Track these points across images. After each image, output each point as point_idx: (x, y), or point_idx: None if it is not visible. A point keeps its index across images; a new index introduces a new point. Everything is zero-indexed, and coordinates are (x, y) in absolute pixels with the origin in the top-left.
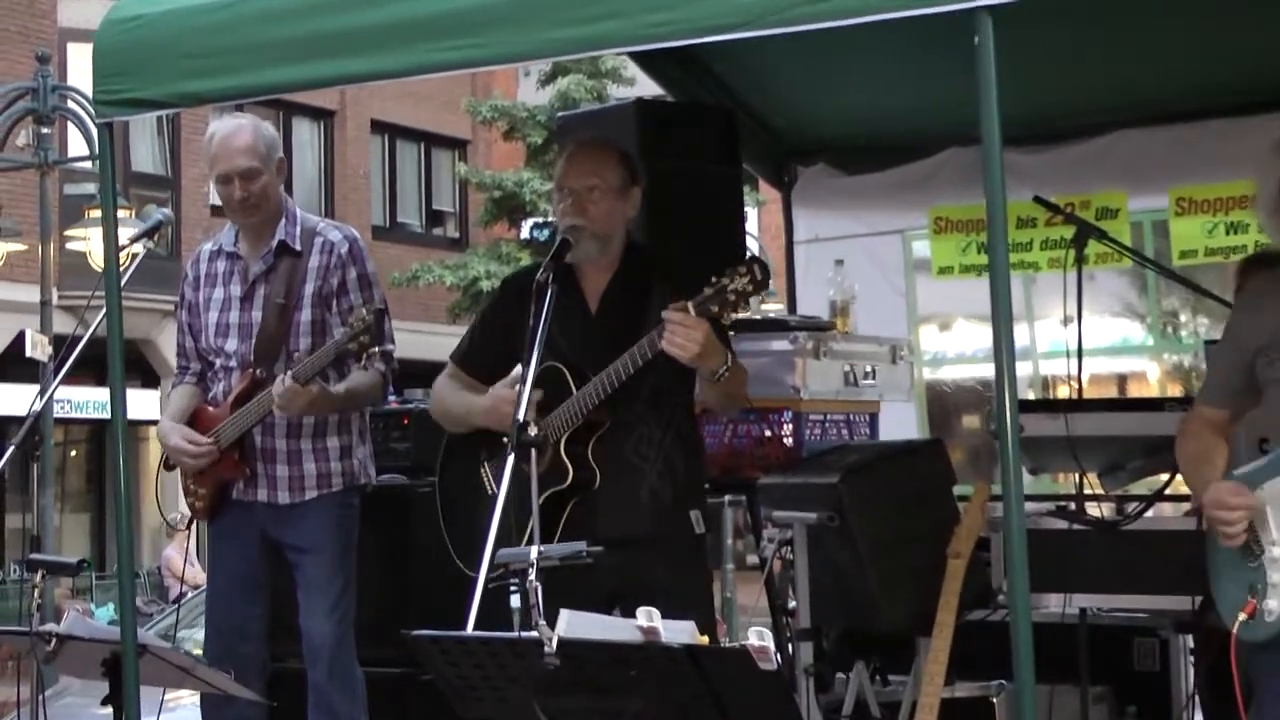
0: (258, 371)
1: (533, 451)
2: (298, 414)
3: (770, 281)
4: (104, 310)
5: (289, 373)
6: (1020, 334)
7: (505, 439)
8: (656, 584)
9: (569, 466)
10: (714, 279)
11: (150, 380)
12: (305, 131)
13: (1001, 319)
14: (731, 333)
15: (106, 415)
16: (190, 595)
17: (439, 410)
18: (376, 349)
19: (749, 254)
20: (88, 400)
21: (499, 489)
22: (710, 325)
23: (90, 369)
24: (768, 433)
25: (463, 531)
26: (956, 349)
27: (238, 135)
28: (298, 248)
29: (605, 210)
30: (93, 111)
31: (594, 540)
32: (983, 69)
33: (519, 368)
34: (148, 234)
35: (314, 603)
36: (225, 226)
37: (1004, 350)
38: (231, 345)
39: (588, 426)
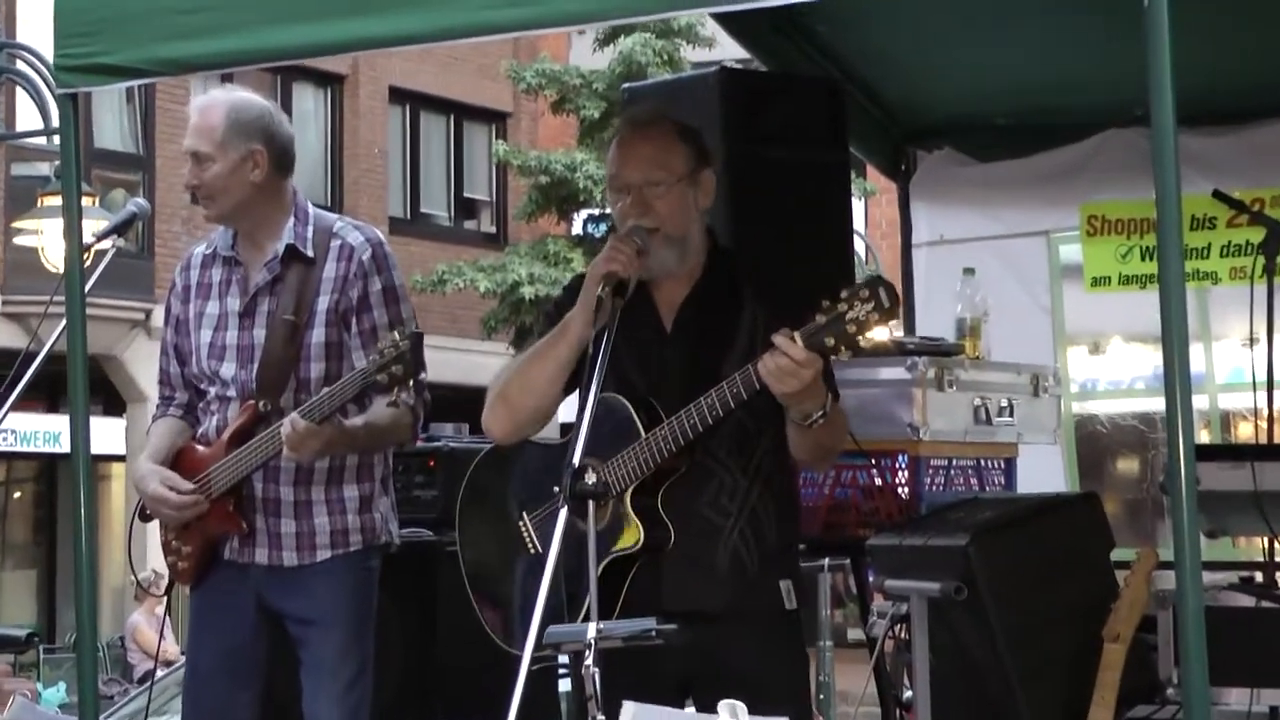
0: (261, 404)
1: (590, 504)
2: (310, 458)
3: (899, 312)
4: (63, 321)
5: (300, 410)
6: (1194, 359)
7: (555, 488)
8: (739, 669)
9: (638, 524)
10: (827, 303)
11: (114, 406)
12: (308, 100)
13: (1175, 343)
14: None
15: (59, 448)
16: (163, 675)
17: (505, 390)
18: (411, 384)
19: (864, 266)
20: (35, 430)
21: (548, 549)
22: (818, 365)
23: (40, 391)
24: (878, 481)
25: (498, 600)
26: (1110, 377)
27: (206, 111)
28: (310, 253)
29: (676, 205)
30: (51, 79)
31: (659, 614)
32: (1154, 33)
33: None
34: (119, 229)
35: (322, 687)
36: (221, 226)
37: (1178, 383)
38: (229, 370)
39: (657, 475)
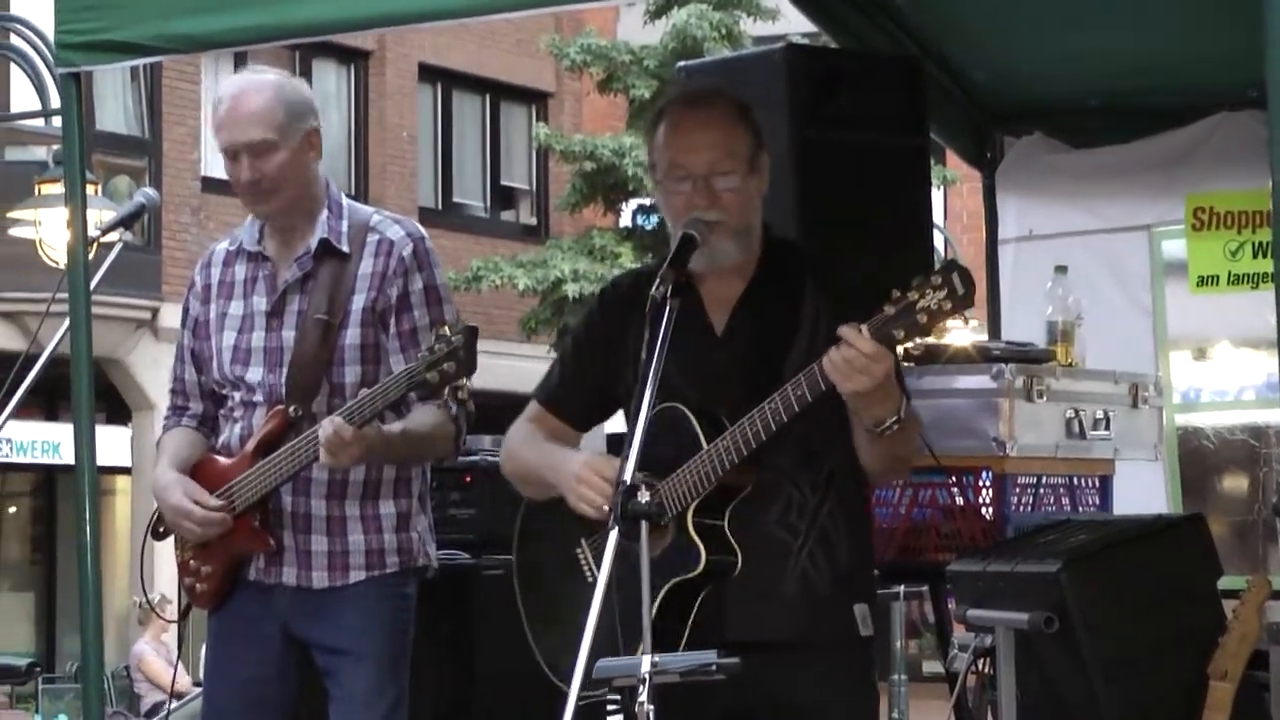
0: (291, 409)
1: (643, 525)
2: (349, 465)
3: (974, 299)
4: (64, 321)
5: (340, 412)
6: None
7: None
8: (800, 702)
9: (700, 547)
10: (897, 293)
11: (118, 413)
12: (330, 79)
13: None
14: (908, 364)
15: (58, 459)
16: (176, 708)
17: (512, 466)
18: (464, 383)
19: (943, 259)
20: (33, 440)
21: (627, 573)
22: (890, 360)
23: (38, 398)
24: (960, 501)
25: (551, 630)
26: (1216, 386)
27: (249, 96)
28: (345, 248)
29: (743, 195)
30: (50, 55)
31: (723, 643)
32: (1273, 4)
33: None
34: (127, 221)
35: None
36: (248, 219)
37: None
38: (255, 375)
39: (722, 492)
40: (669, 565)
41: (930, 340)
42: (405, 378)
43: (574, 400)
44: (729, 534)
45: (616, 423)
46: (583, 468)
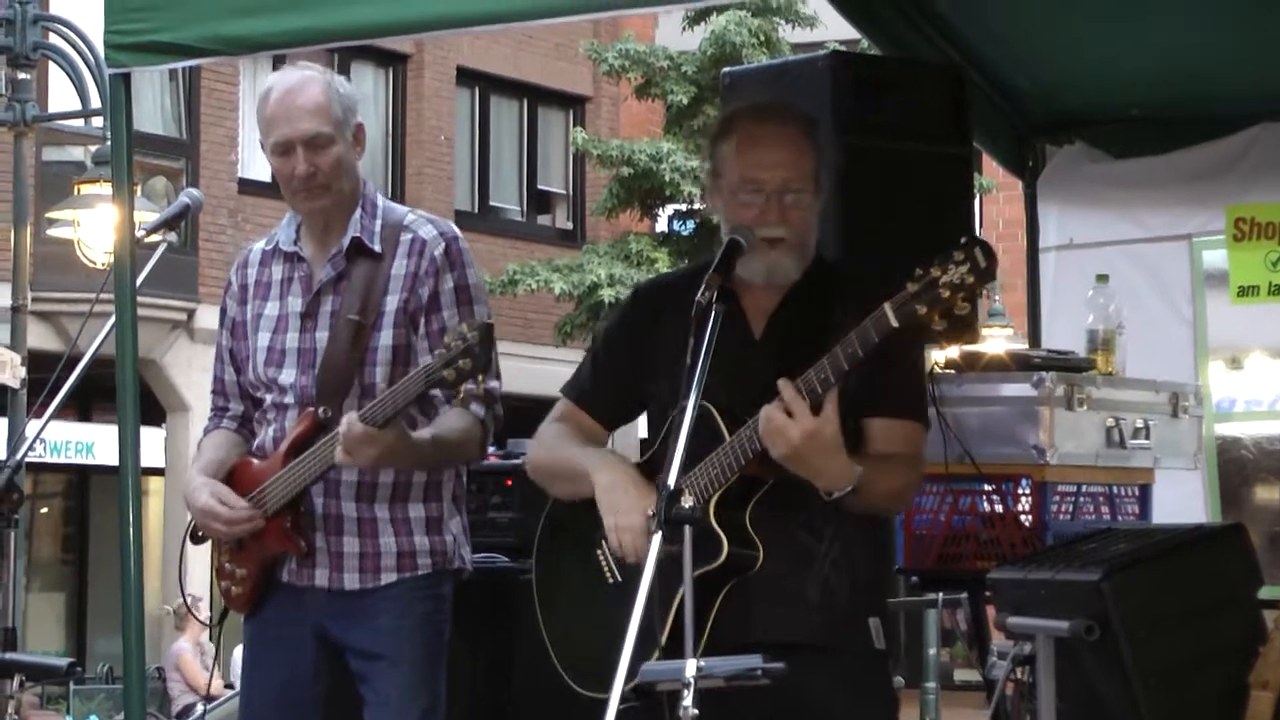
0: (321, 411)
1: (686, 530)
2: (368, 467)
3: (997, 273)
4: (101, 322)
5: (354, 413)
6: None
7: (651, 513)
8: (828, 709)
9: (722, 537)
10: (919, 270)
11: (153, 415)
12: (368, 81)
13: None
14: (948, 370)
15: (91, 459)
16: (210, 708)
17: (540, 465)
18: (481, 379)
19: (965, 236)
20: (65, 440)
21: (628, 578)
22: (829, 428)
23: (72, 398)
24: (999, 508)
25: (571, 635)
26: (1250, 395)
27: (304, 89)
28: (377, 248)
29: (809, 214)
30: (91, 55)
31: (746, 644)
32: None
33: (643, 428)
34: (171, 222)
35: None
36: (285, 219)
37: None
38: (288, 377)
39: (744, 484)
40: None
41: (969, 347)
42: (423, 375)
43: (603, 399)
44: (750, 528)
45: (645, 426)
46: (612, 471)
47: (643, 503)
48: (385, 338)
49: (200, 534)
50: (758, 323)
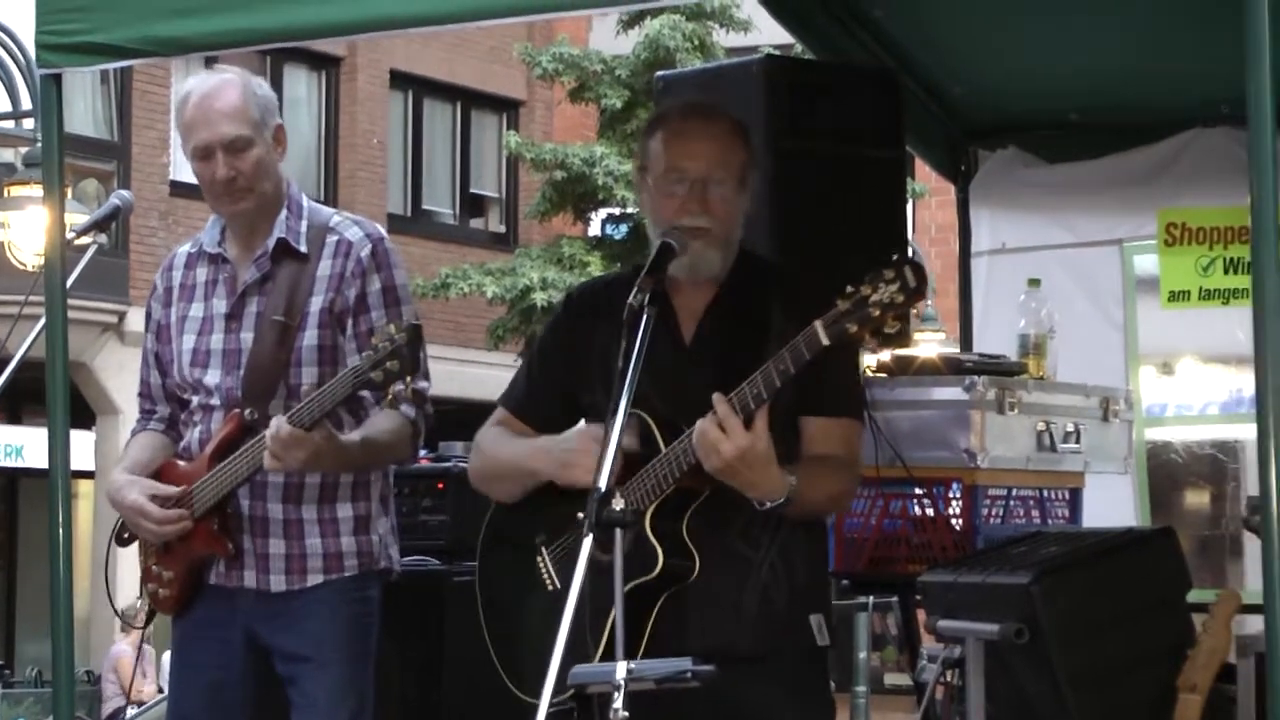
0: (247, 413)
1: (617, 534)
2: (296, 469)
3: (928, 289)
4: (30, 324)
5: (282, 415)
6: None
7: (580, 514)
8: (762, 716)
9: (657, 548)
10: (850, 288)
11: (83, 417)
12: (301, 84)
13: (1269, 364)
14: (881, 374)
15: (20, 462)
16: (138, 714)
17: (482, 468)
18: (408, 380)
19: (896, 254)
20: None
21: (571, 581)
22: (760, 444)
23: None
24: (930, 512)
25: (512, 641)
26: (1180, 400)
27: (221, 93)
28: (303, 249)
29: (733, 207)
30: (21, 57)
31: (685, 654)
32: (1253, 21)
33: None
34: (101, 223)
35: None
36: (209, 221)
37: (1271, 408)
38: (213, 378)
39: (680, 495)
40: (626, 569)
41: (901, 351)
42: (351, 377)
43: (540, 407)
44: (686, 538)
45: None
46: (577, 442)
47: (575, 436)
48: (311, 338)
49: (126, 535)
50: (688, 326)
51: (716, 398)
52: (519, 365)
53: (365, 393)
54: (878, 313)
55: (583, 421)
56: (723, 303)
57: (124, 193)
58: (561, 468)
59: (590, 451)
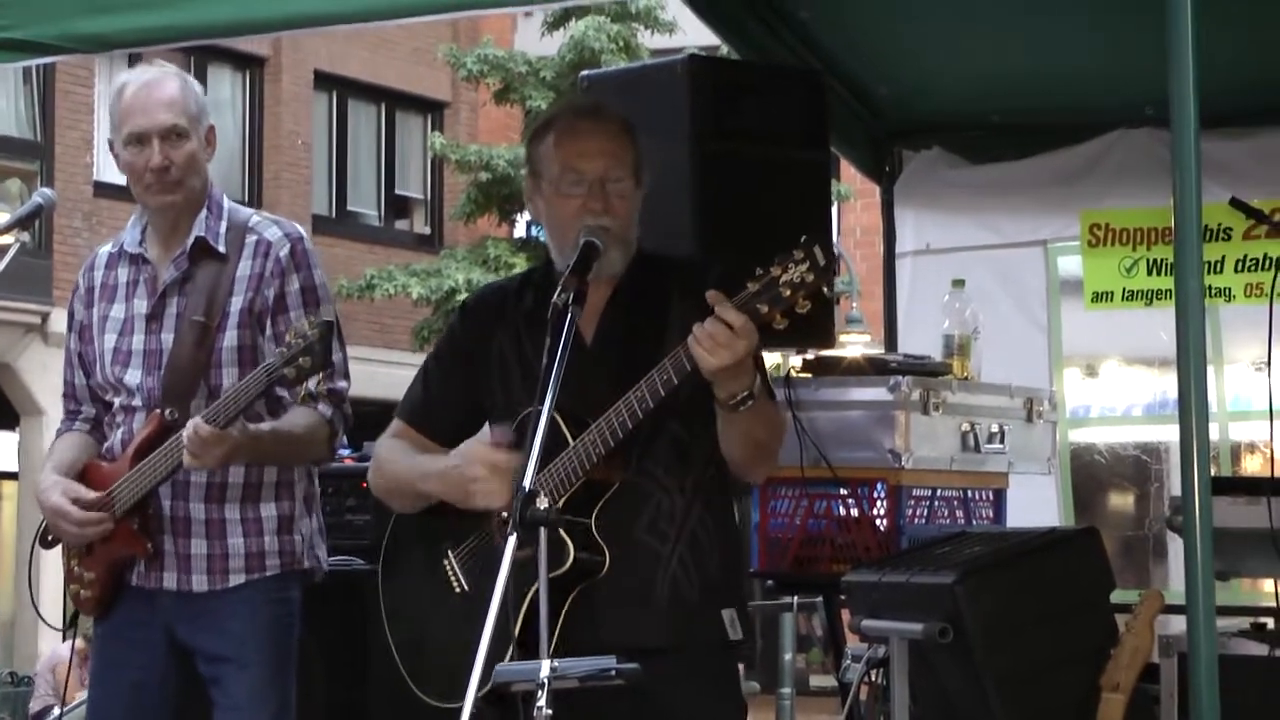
0: (167, 413)
1: (542, 532)
2: (215, 467)
3: (845, 284)
4: None
5: (199, 416)
6: None
7: (504, 514)
8: (673, 710)
9: (567, 542)
10: (760, 270)
11: (6, 419)
12: (225, 85)
13: (1191, 366)
14: (804, 374)
15: None
16: (62, 713)
17: (381, 481)
18: (321, 375)
19: (805, 235)
20: None
21: (475, 587)
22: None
23: None
24: (855, 512)
25: (418, 648)
26: (1105, 402)
27: (162, 84)
28: (222, 249)
29: (631, 204)
30: None
31: (597, 649)
32: (1175, 24)
33: (488, 426)
34: (23, 222)
35: None
36: (130, 220)
37: (1194, 410)
38: (134, 378)
39: (589, 489)
40: (536, 564)
41: (826, 352)
42: (264, 373)
43: (439, 417)
44: (595, 533)
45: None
46: (458, 457)
47: (474, 454)
48: (230, 339)
49: (50, 538)
50: (588, 325)
51: (712, 294)
52: (415, 376)
53: (283, 391)
54: (789, 292)
55: (486, 427)
56: (620, 300)
57: (47, 191)
58: (464, 495)
59: (485, 477)
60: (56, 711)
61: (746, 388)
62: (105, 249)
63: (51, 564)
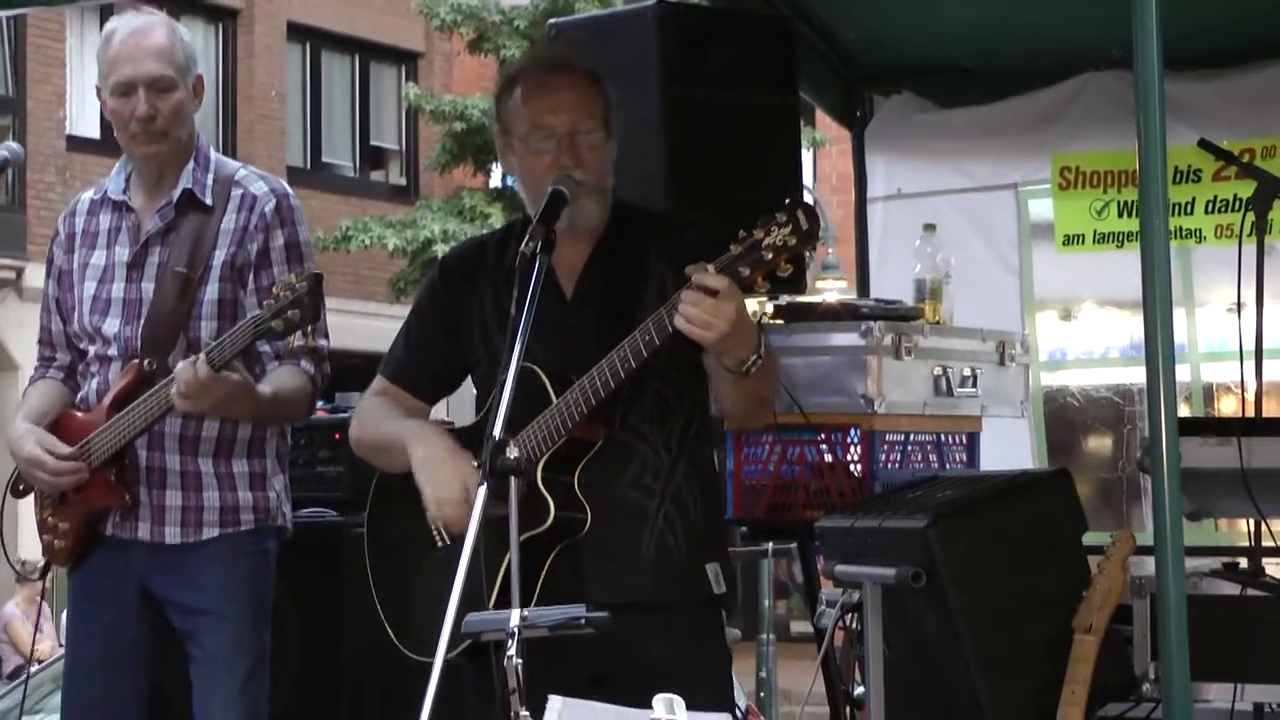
0: (145, 363)
1: (513, 481)
2: (207, 411)
3: (822, 233)
4: None
5: (201, 354)
6: (1175, 327)
7: (476, 464)
8: (658, 662)
9: (549, 501)
10: (743, 233)
11: None
12: (198, 36)
13: (1157, 308)
14: (778, 320)
15: None
16: (38, 670)
17: (360, 441)
18: (310, 330)
19: (789, 198)
20: None
21: (458, 542)
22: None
23: None
24: (829, 458)
25: (401, 600)
26: (1082, 346)
27: (150, 32)
28: (208, 201)
29: (604, 155)
30: None
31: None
32: None
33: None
34: None
35: (213, 685)
36: (115, 167)
37: (1160, 351)
38: (111, 327)
39: (572, 447)
40: (518, 522)
41: (801, 299)
42: (251, 325)
43: (420, 374)
44: (578, 491)
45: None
46: (449, 487)
47: (460, 473)
48: (212, 291)
49: (22, 487)
50: (568, 281)
51: (695, 268)
52: (397, 333)
53: (265, 347)
54: (770, 255)
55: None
56: (601, 256)
57: (13, 144)
58: (435, 503)
59: (462, 501)
60: (33, 669)
61: (754, 350)
62: (87, 195)
63: (26, 516)
